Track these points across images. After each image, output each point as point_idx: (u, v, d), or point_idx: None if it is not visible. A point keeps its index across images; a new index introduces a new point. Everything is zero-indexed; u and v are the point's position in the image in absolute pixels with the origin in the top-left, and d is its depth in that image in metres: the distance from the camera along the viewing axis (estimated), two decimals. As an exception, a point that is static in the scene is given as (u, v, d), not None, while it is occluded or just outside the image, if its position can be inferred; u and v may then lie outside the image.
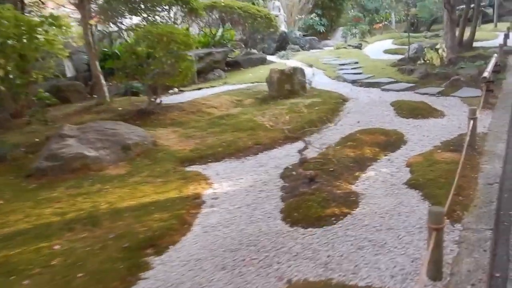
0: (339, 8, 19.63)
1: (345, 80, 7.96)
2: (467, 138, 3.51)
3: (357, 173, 3.51)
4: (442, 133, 4.42)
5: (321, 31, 19.25)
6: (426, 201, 2.93)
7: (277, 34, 13.68)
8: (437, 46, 8.86)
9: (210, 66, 9.53)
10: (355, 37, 15.92)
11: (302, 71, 6.97)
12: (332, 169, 3.54)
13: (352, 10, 20.65)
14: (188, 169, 3.98)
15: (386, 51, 12.21)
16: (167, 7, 8.77)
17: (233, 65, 10.53)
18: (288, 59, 12.01)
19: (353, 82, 7.73)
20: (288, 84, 6.84)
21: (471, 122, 3.76)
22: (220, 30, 11.29)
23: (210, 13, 10.53)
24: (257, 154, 4.25)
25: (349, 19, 19.40)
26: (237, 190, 3.43)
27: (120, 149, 4.35)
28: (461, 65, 8.26)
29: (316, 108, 5.76)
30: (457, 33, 11.20)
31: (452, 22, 8.82)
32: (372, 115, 5.34)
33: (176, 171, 3.89)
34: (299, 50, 13.40)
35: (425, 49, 8.88)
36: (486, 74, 5.17)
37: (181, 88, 8.22)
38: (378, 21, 17.04)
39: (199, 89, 8.26)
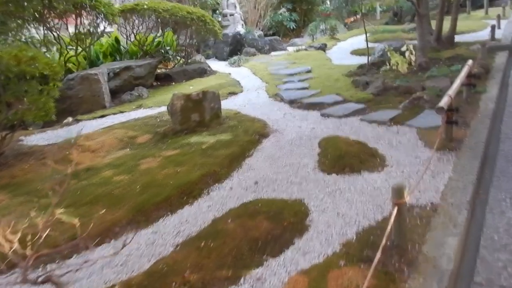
0: (312, 1, 18.03)
1: (282, 100, 6.42)
2: (384, 242, 2.00)
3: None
4: (368, 210, 2.90)
5: (292, 27, 17.71)
6: None
7: (228, 36, 12.13)
8: (403, 48, 7.32)
9: (129, 84, 7.98)
10: (325, 34, 14.37)
11: (214, 95, 5.42)
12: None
13: (326, 2, 19.10)
14: None
15: (354, 52, 10.71)
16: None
17: (165, 79, 8.99)
18: (239, 65, 10.49)
19: (292, 102, 6.20)
20: (196, 114, 5.30)
21: (395, 210, 2.24)
22: (159, 36, 9.76)
23: (146, 17, 8.95)
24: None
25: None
26: None
27: None
28: (432, 72, 6.76)
29: (217, 152, 4.23)
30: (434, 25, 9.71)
31: (420, 16, 7.29)
32: (284, 168, 3.81)
33: None
34: (255, 54, 11.87)
35: (388, 52, 7.33)
36: (445, 100, 3.64)
37: (79, 117, 6.68)
38: (346, 15, 15.46)
39: (102, 116, 6.72)
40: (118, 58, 9.99)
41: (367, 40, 7.92)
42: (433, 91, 5.58)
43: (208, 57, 12.89)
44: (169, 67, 10.38)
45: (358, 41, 13.08)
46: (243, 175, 3.78)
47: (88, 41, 8.29)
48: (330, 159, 3.74)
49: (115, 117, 6.57)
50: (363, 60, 9.06)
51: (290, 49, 13.80)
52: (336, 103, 5.81)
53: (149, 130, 5.50)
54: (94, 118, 6.63)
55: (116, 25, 9.45)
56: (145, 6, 8.10)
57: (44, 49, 8.16)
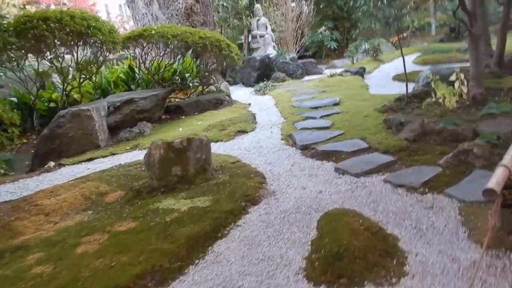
0: (355, 18, 16.86)
1: (294, 144, 5.37)
2: None
3: None
4: None
5: (334, 47, 16.61)
6: None
7: (256, 60, 11.30)
8: (452, 77, 6.02)
9: (131, 119, 7.31)
10: (367, 55, 13.13)
11: (202, 143, 4.49)
12: None
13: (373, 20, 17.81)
14: None
15: (397, 77, 9.43)
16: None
17: (175, 112, 8.27)
18: (264, 94, 9.59)
19: (305, 148, 5.14)
20: (178, 167, 4.40)
21: None
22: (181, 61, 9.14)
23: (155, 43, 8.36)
24: None
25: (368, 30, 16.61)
26: None
27: None
28: (490, 108, 5.42)
29: (181, 229, 3.27)
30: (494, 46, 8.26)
31: (473, 39, 5.99)
32: (258, 265, 2.76)
33: None
34: (284, 80, 10.93)
35: (433, 81, 6.07)
36: (498, 175, 2.43)
37: (64, 160, 6.04)
38: (395, 31, 14.08)
39: (90, 159, 6.04)
40: (133, 87, 9.49)
41: (405, 66, 6.70)
42: (488, 138, 4.29)
43: (234, 82, 12.15)
44: (189, 95, 9.71)
45: (407, 62, 11.73)
46: (202, 272, 2.77)
47: (93, 70, 7.80)
48: (324, 257, 2.64)
49: (102, 162, 5.86)
50: (409, 87, 7.83)
51: (328, 71, 12.74)
52: (358, 151, 4.67)
53: (125, 184, 4.69)
54: (80, 162, 5.97)
55: (129, 51, 8.97)
56: (152, 32, 7.46)
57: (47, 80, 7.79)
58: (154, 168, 4.41)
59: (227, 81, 12.46)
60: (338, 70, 11.69)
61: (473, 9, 6.01)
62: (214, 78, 11.52)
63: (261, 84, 10.44)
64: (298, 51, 15.68)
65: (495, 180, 2.42)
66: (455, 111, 5.74)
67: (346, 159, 4.52)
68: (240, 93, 10.49)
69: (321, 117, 6.43)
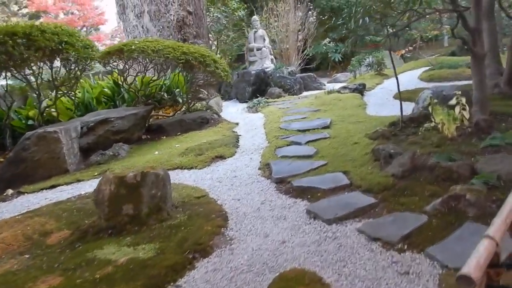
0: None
1: (270, 176, 4.87)
2: None
3: None
4: None
5: (338, 60, 16.10)
6: None
7: (251, 74, 10.85)
8: (452, 101, 5.47)
9: (106, 140, 6.88)
10: (372, 69, 12.58)
11: (158, 178, 4.02)
12: None
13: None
14: None
15: (398, 96, 8.82)
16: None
17: (157, 131, 7.84)
18: (257, 111, 9.13)
19: (280, 182, 4.63)
20: (129, 205, 3.93)
21: None
22: (168, 76, 8.75)
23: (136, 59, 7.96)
24: None
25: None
26: None
27: None
28: (494, 138, 4.86)
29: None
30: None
31: (477, 59, 5.44)
32: None
33: None
34: (280, 96, 10.46)
35: (431, 106, 5.52)
36: (481, 252, 1.89)
37: (24, 188, 5.63)
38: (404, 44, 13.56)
39: (53, 186, 5.62)
40: (119, 103, 9.12)
41: (398, 87, 6.13)
42: (486, 178, 3.73)
43: (229, 97, 11.72)
44: (176, 112, 9.30)
45: (411, 77, 11.22)
46: None
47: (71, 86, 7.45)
48: None
49: (63, 190, 5.44)
50: (409, 107, 7.33)
51: (330, 86, 12.24)
52: (336, 189, 4.14)
53: (75, 222, 4.23)
54: (41, 190, 5.54)
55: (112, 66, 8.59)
56: (133, 47, 7.07)
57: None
58: (103, 206, 3.95)
59: (222, 96, 12.06)
60: (338, 86, 11.17)
61: (477, 25, 5.47)
62: (207, 93, 11.13)
63: (255, 100, 9.98)
64: (300, 64, 15.21)
65: (475, 261, 1.88)
66: (455, 139, 5.18)
67: (322, 198, 4.00)
68: (232, 110, 10.04)
69: (307, 142, 5.91)
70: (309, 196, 4.11)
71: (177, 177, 5.32)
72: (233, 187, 4.73)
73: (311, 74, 12.78)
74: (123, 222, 3.88)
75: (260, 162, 5.47)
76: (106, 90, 9.25)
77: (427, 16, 7.34)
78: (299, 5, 14.59)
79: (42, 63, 6.98)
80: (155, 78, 8.09)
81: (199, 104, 9.56)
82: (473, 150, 4.69)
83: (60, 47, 6.35)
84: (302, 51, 14.98)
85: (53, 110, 7.69)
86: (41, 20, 31.38)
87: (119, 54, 7.36)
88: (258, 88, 10.90)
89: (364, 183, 4.16)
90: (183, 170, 5.61)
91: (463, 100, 5.43)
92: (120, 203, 3.92)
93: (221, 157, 5.93)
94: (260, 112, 9.18)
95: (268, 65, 12.27)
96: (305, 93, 11.19)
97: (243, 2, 14.77)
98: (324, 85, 12.53)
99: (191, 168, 5.63)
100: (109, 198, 3.92)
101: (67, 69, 6.93)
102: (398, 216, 3.44)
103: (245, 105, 10.29)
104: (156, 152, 6.51)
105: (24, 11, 34.83)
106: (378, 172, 4.45)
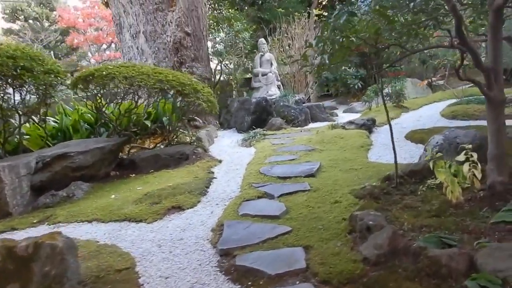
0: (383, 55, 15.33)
1: (216, 244, 3.99)
2: None
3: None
4: None
5: (358, 87, 15.11)
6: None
7: (251, 103, 10.09)
8: (460, 156, 4.44)
9: (64, 177, 6.23)
10: (391, 99, 11.54)
11: (54, 251, 3.23)
12: None
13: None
14: None
15: (413, 135, 7.82)
16: None
17: (128, 167, 7.14)
18: (250, 145, 8.32)
19: (225, 254, 3.76)
20: (16, 284, 3.16)
21: None
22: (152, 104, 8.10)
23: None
24: None
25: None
26: None
27: None
28: (510, 211, 3.82)
29: None
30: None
31: (493, 106, 4.43)
32: None
33: None
34: (281, 127, 9.61)
35: (431, 162, 4.51)
36: None
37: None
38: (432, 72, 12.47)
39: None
40: (101, 132, 8.55)
41: (393, 140, 5.09)
42: (486, 281, 2.74)
43: (228, 126, 10.96)
44: (160, 144, 8.62)
45: (433, 112, 10.13)
46: None
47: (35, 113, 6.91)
48: None
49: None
50: (418, 152, 6.38)
51: (344, 116, 11.30)
52: (285, 277, 3.22)
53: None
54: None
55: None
56: (104, 72, 6.46)
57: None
58: (-16, 282, 3.20)
59: (222, 124, 11.33)
60: (352, 117, 10.21)
61: (495, 63, 4.45)
62: (205, 121, 10.44)
63: (251, 132, 9.17)
64: (311, 92, 14.30)
65: None
66: (461, 206, 4.18)
67: (264, 289, 3.09)
68: (225, 143, 9.25)
69: (281, 196, 5.01)
70: (249, 283, 3.21)
71: (117, 233, 4.55)
72: (171, 255, 3.89)
73: (320, 103, 11.84)
74: (7, 306, 3.11)
75: (218, 220, 4.60)
76: (89, 116, 8.72)
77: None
78: (315, 26, 13.81)
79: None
80: (133, 106, 7.42)
81: (189, 135, 8.84)
82: (480, 225, 3.67)
83: (14, 73, 5.79)
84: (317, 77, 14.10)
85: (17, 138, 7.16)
86: (70, 36, 32.14)
87: (91, 80, 6.76)
88: (259, 118, 10.09)
89: (324, 270, 3.22)
90: (129, 224, 4.83)
91: (475, 156, 4.41)
92: (4, 281, 3.16)
93: (179, 208, 5.12)
94: (254, 146, 8.35)
95: (273, 92, 11.47)
96: (311, 125, 10.28)
97: (256, 23, 14.15)
98: (336, 116, 11.59)
99: (140, 221, 4.84)
100: (-7, 273, 3.17)
101: (26, 96, 6.37)
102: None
103: (242, 136, 9.49)
104: (113, 196, 5.77)
105: (54, 27, 35.88)
106: (347, 252, 3.49)
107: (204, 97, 7.09)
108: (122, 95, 7.24)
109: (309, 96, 14.63)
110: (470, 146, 4.47)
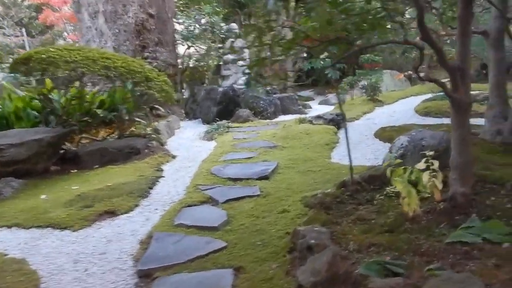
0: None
1: (138, 260, 3.52)
2: None
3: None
4: None
5: (335, 78, 14.62)
6: None
7: (218, 92, 9.55)
8: (420, 164, 4.03)
9: (-8, 173, 5.66)
10: (367, 92, 11.13)
11: None
12: None
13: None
14: None
15: (384, 132, 7.42)
16: None
17: (72, 161, 6.59)
18: (212, 139, 7.82)
19: (145, 276, 3.29)
20: None
21: None
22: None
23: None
24: None
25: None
26: None
27: None
28: (467, 229, 3.46)
29: None
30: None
31: (458, 109, 4.02)
32: None
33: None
34: (247, 120, 9.12)
35: (388, 170, 4.09)
36: None
37: None
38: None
39: None
40: (50, 119, 7.90)
41: (348, 146, 4.65)
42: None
43: (194, 116, 10.42)
44: (128, 133, 8.04)
45: (407, 107, 9.76)
46: None
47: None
48: None
49: None
50: (384, 152, 6.00)
51: (319, 108, 10.85)
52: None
53: None
54: None
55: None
56: (43, 56, 5.84)
57: None
58: None
59: (187, 114, 10.78)
60: (308, 116, 9.49)
61: (462, 62, 4.02)
62: (168, 111, 9.88)
63: (215, 124, 8.66)
64: (295, 80, 13.82)
65: None
66: (418, 220, 3.79)
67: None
68: (186, 135, 8.73)
69: (226, 202, 4.55)
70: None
71: (33, 244, 4.04)
72: (84, 275, 3.40)
73: (292, 94, 11.37)
74: None
75: (150, 230, 4.13)
76: (36, 102, 8.06)
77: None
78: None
79: None
80: (80, 93, 6.82)
81: (147, 126, 8.28)
82: (435, 246, 3.27)
83: None
84: (294, 65, 13.60)
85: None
86: (43, 13, 30.83)
87: (30, 64, 6.14)
88: (225, 108, 9.58)
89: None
90: (52, 231, 4.32)
91: (436, 164, 4.00)
92: None
93: (112, 213, 4.62)
94: (215, 140, 7.86)
95: (243, 81, 10.95)
96: (280, 118, 9.82)
97: (230, 7, 13.52)
98: (310, 108, 11.15)
99: (65, 228, 4.34)
100: None
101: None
102: None
103: (205, 128, 8.98)
104: (43, 196, 5.23)
105: (26, 2, 34.40)
106: (281, 277, 3.06)
107: (157, 86, 6.54)
108: (67, 81, 6.62)
109: (285, 85, 14.13)
110: (431, 152, 4.07)
